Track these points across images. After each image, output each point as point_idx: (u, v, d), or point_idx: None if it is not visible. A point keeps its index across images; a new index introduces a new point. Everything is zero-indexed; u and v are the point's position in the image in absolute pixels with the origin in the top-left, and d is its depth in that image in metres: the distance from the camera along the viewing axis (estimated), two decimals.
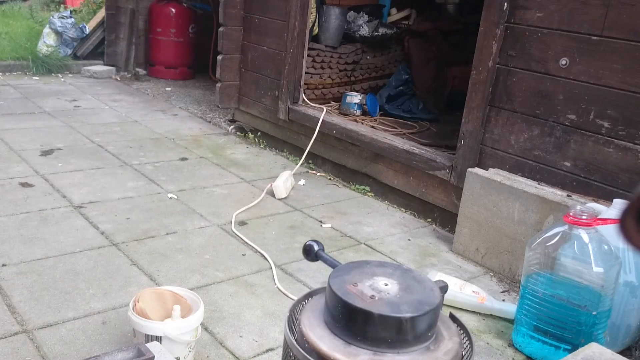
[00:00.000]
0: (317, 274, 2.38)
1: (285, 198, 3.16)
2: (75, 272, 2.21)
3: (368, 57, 4.40)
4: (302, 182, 3.45)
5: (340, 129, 3.47)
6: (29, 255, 2.30)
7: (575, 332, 1.87)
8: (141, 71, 6.03)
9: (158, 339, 1.61)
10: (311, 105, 3.83)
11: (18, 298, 2.00)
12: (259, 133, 4.21)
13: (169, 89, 5.67)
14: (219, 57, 4.15)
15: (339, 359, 0.94)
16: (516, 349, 2.03)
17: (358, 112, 3.94)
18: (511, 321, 2.13)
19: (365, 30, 4.33)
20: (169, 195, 3.05)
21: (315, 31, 4.10)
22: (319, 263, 1.22)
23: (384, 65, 4.54)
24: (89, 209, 2.78)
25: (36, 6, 8.72)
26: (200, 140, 4.11)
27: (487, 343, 2.06)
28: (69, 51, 5.94)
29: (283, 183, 3.18)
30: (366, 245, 2.71)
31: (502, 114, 2.63)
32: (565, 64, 2.39)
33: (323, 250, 1.22)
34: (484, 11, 2.63)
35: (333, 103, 4.14)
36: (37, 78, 5.53)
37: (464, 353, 1.04)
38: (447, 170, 2.87)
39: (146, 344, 1.27)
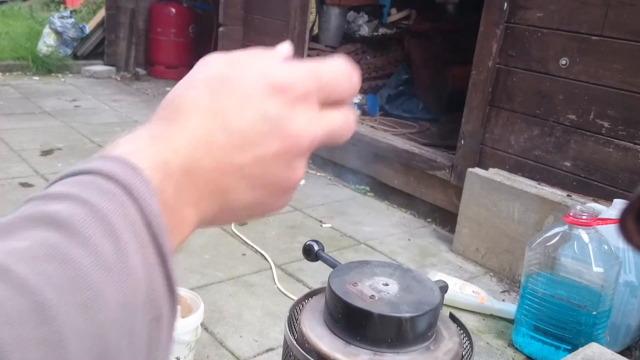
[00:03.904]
0: (317, 274, 2.38)
1: None
2: None
3: (368, 57, 4.40)
4: (302, 182, 3.44)
5: None
6: None
7: (575, 332, 1.87)
8: (141, 71, 6.03)
9: None
10: None
11: None
12: None
13: (169, 89, 5.61)
14: None
15: (339, 359, 0.94)
16: (516, 349, 2.03)
17: (358, 112, 3.94)
18: (511, 321, 2.13)
19: (365, 30, 4.33)
20: None
21: (315, 31, 4.10)
22: (319, 263, 1.21)
23: (384, 65, 4.54)
24: None
25: (36, 6, 8.72)
26: None
27: (487, 343, 2.06)
28: (69, 51, 5.94)
29: None
30: (366, 245, 2.71)
31: (502, 114, 2.63)
32: (565, 64, 2.39)
33: (323, 250, 1.22)
34: (484, 11, 2.63)
35: None
36: (37, 78, 5.52)
37: (464, 353, 1.04)
38: (447, 170, 2.87)
39: None
